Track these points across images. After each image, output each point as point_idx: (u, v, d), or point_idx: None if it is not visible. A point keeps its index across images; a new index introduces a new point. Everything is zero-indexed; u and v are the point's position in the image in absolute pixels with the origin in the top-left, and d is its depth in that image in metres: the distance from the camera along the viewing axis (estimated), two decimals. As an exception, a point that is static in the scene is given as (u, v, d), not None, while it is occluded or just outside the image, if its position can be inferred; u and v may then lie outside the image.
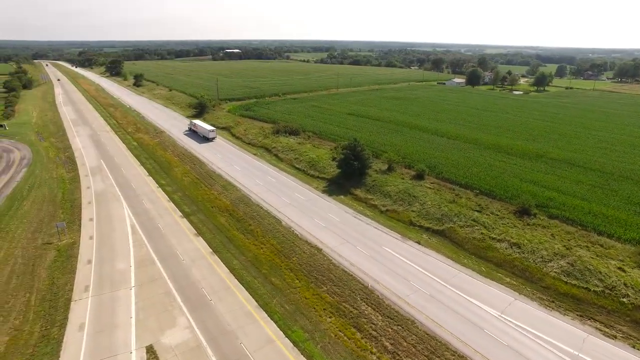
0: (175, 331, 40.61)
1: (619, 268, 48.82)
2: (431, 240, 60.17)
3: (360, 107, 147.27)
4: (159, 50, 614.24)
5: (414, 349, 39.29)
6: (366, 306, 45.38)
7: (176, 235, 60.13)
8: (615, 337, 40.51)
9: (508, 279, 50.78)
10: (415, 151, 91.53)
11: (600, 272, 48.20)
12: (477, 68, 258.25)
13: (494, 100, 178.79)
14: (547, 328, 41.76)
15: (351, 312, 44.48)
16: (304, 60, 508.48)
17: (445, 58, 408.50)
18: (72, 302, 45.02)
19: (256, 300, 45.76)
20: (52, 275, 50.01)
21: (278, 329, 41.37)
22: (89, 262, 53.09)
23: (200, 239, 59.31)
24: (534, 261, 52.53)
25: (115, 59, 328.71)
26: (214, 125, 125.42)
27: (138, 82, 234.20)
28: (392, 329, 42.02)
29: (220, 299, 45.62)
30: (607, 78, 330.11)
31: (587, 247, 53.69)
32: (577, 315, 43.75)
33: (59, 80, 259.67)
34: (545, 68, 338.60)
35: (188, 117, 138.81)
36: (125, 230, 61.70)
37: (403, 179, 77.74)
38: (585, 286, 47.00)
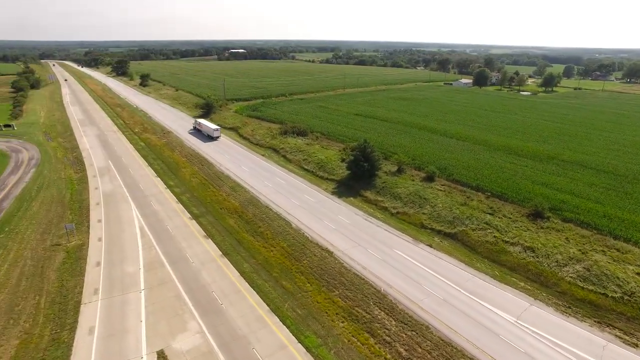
0: (187, 336, 40.04)
1: (638, 274, 47.80)
2: (443, 244, 59.36)
3: (368, 108, 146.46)
4: (165, 50, 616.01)
5: (429, 356, 38.54)
6: (379, 311, 44.66)
7: (185, 237, 59.63)
8: (636, 345, 39.52)
9: (522, 284, 49.91)
10: (425, 152, 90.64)
11: (618, 278, 47.23)
12: (484, 69, 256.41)
13: (502, 101, 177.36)
14: (565, 335, 40.88)
15: (364, 316, 43.77)
16: (309, 61, 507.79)
17: (451, 58, 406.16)
18: (81, 305, 44.58)
19: (267, 305, 45.12)
20: (61, 278, 49.61)
21: (290, 334, 40.71)
22: (98, 264, 52.67)
23: (210, 241, 58.77)
24: (548, 265, 51.61)
25: (121, 59, 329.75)
26: (221, 126, 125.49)
27: (144, 82, 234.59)
28: (406, 334, 41.27)
29: (231, 303, 45.03)
30: (616, 79, 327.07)
31: (603, 251, 52.65)
32: (595, 321, 42.80)
33: (66, 80, 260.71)
34: (553, 68, 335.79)
35: (195, 117, 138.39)
36: (134, 232, 61.27)
37: (413, 180, 76.94)
38: (602, 292, 46.04)
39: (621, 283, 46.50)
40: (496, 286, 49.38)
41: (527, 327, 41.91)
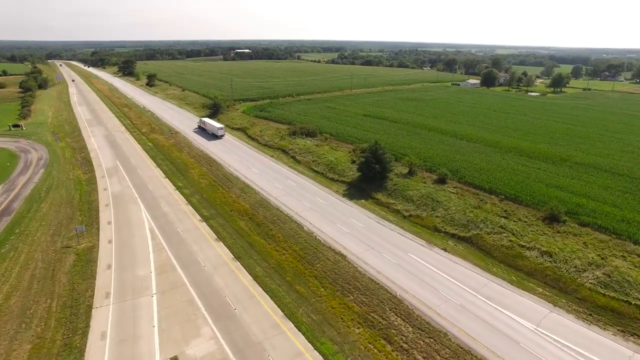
0: (200, 342, 39.31)
1: (661, 280, 46.61)
2: (457, 247, 58.38)
3: (376, 109, 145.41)
4: (170, 50, 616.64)
5: (448, 364, 37.63)
6: (395, 317, 43.77)
7: (196, 240, 58.96)
8: (664, 356, 38.42)
9: (541, 290, 48.86)
10: (436, 154, 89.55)
11: (641, 284, 46.06)
12: (492, 69, 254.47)
13: (511, 101, 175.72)
14: (588, 344, 39.82)
15: (380, 322, 42.90)
16: (314, 61, 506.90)
17: (457, 59, 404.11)
18: (93, 309, 44.01)
19: (282, 310, 44.33)
20: (72, 281, 49.10)
21: (306, 341, 39.90)
22: (109, 267, 52.10)
23: (221, 244, 58.04)
24: (567, 271, 50.51)
25: (127, 59, 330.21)
26: (228, 126, 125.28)
27: (151, 82, 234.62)
28: (423, 341, 40.36)
29: (245, 309, 44.27)
30: (625, 79, 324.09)
31: (623, 256, 51.47)
32: (619, 330, 41.67)
33: (73, 80, 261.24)
34: (561, 69, 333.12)
35: (201, 117, 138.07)
36: (144, 234, 60.68)
37: (425, 183, 75.93)
38: (625, 299, 44.88)
39: (644, 290, 45.34)
40: (514, 292, 48.36)
41: (547, 335, 40.89)
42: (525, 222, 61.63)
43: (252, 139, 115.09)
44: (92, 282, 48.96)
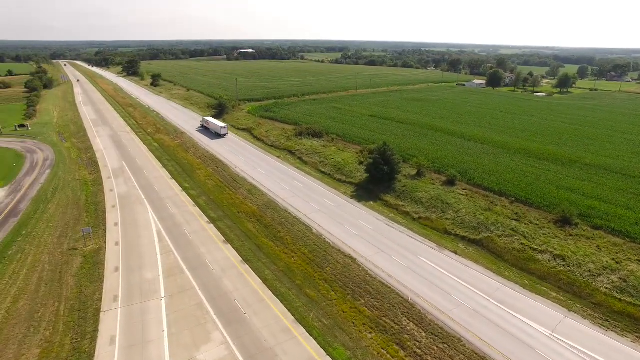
0: (211, 347, 38.69)
1: (678, 285, 45.72)
2: (468, 250, 57.61)
3: (382, 109, 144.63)
4: (174, 50, 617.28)
5: (463, 371, 36.89)
6: (408, 321, 43.06)
7: (204, 242, 58.38)
8: (684, 363, 37.58)
9: (554, 294, 48.04)
10: (444, 155, 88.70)
11: (658, 290, 45.19)
12: (498, 69, 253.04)
13: (518, 102, 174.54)
14: (605, 350, 39.01)
15: (392, 327, 42.20)
16: (318, 61, 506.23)
17: (462, 59, 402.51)
18: (101, 313, 43.45)
19: (292, 314, 43.67)
20: (79, 283, 48.58)
21: (318, 346, 39.23)
22: (116, 269, 51.56)
23: (229, 246, 57.43)
24: (581, 275, 49.67)
25: (132, 59, 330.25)
26: (234, 127, 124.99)
27: (155, 82, 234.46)
28: (437, 347, 39.63)
29: (255, 313, 43.63)
30: (632, 79, 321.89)
31: (638, 261, 50.54)
32: (637, 337, 40.81)
33: (78, 81, 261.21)
34: (568, 69, 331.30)
35: (205, 117, 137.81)
36: (152, 236, 60.14)
37: (434, 184, 75.13)
38: (642, 304, 44.00)
39: (662, 295, 44.48)
40: (527, 296, 47.57)
41: (564, 341, 40.10)
42: (536, 224, 60.79)
43: (258, 139, 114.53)
44: (100, 285, 48.44)
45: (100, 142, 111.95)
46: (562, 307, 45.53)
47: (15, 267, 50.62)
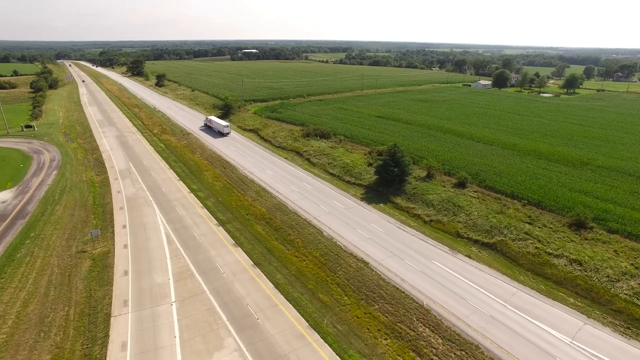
0: (224, 354, 37.91)
1: (701, 292, 44.67)
2: (482, 254, 56.67)
3: (389, 110, 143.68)
4: (178, 50, 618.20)
5: (483, 380, 35.99)
6: (424, 327, 42.18)
7: (214, 245, 57.63)
8: None
9: (572, 300, 47.06)
10: (453, 157, 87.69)
11: (679, 296, 44.14)
12: (504, 70, 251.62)
13: (525, 103, 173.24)
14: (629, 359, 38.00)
15: (408, 333, 41.34)
16: (322, 61, 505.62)
17: (467, 59, 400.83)
18: (111, 318, 42.74)
19: (306, 320, 42.85)
20: (89, 287, 47.94)
21: (334, 353, 38.38)
22: (126, 273, 50.89)
23: (240, 249, 56.68)
24: (598, 280, 48.63)
25: (136, 59, 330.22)
26: (241, 127, 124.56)
27: (160, 82, 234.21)
28: (454, 354, 38.75)
29: (268, 318, 42.84)
30: (639, 79, 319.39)
31: (658, 266, 49.48)
32: (661, 345, 39.80)
33: (83, 81, 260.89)
34: (572, 69, 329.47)
35: (209, 116, 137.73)
36: (160, 239, 59.46)
37: (444, 186, 74.18)
38: (664, 312, 42.97)
39: (684, 302, 43.43)
40: (544, 302, 46.59)
41: (585, 349, 39.12)
42: (550, 228, 59.76)
43: (265, 140, 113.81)
44: (109, 288, 47.77)
45: (107, 143, 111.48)
46: (581, 313, 44.55)
47: (24, 271, 50.00)
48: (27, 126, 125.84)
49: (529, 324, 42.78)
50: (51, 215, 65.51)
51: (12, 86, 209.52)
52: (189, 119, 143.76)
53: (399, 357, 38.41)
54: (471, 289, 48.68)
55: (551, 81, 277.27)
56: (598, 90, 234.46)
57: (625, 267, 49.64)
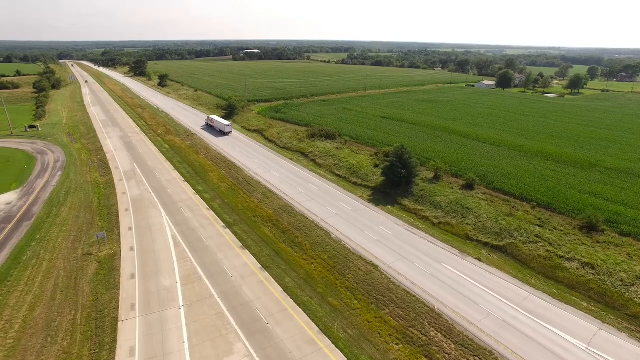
0: None
1: None
2: (492, 257, 55.96)
3: (394, 110, 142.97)
4: (180, 50, 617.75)
5: (498, 387, 35.30)
6: (436, 332, 41.52)
7: (221, 248, 57.00)
8: None
9: (585, 304, 46.33)
10: (460, 158, 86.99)
11: (696, 301, 43.39)
12: (508, 70, 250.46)
13: (529, 103, 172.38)
14: (646, 366, 37.28)
15: (420, 338, 40.69)
16: (324, 61, 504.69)
17: (470, 59, 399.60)
18: (119, 322, 42.14)
19: (317, 325, 42.20)
20: (95, 291, 47.36)
21: (345, 359, 37.72)
22: (133, 276, 50.29)
23: (247, 252, 56.04)
24: (612, 285, 47.90)
25: (139, 59, 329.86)
26: (245, 128, 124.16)
27: (163, 82, 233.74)
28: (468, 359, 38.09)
29: (278, 323, 42.19)
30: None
31: (672, 270, 48.72)
32: (679, 351, 39.05)
33: (86, 82, 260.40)
34: (575, 69, 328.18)
35: (210, 115, 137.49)
36: (167, 241, 58.86)
37: (452, 188, 73.48)
38: (681, 317, 42.23)
39: (700, 307, 42.67)
40: (557, 306, 45.86)
41: (602, 356, 38.42)
42: (561, 231, 59.02)
43: (270, 141, 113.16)
44: (116, 292, 47.18)
45: (111, 144, 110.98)
46: (595, 318, 43.83)
47: (31, 274, 49.44)
48: (31, 126, 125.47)
49: (543, 328, 42.09)
50: (56, 217, 64.97)
51: (15, 86, 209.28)
52: (192, 119, 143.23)
53: (411, 363, 37.74)
54: (482, 293, 47.99)
55: (555, 81, 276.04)
56: (602, 91, 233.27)
57: None
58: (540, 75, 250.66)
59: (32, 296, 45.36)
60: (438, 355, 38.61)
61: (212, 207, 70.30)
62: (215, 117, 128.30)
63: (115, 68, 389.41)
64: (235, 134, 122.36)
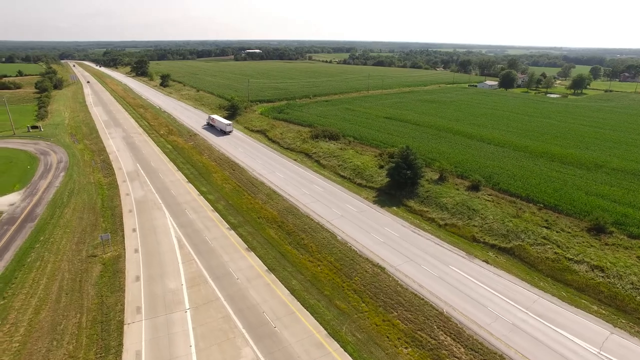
0: (242, 364, 36.85)
1: None
2: (499, 259, 55.46)
3: (397, 111, 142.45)
4: (181, 50, 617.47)
5: (510, 392, 34.81)
6: (445, 336, 41.03)
7: (226, 250, 56.55)
8: None
9: (595, 307, 45.80)
10: (465, 159, 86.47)
11: None
12: (511, 70, 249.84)
13: (533, 104, 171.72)
14: (660, 371, 36.76)
15: (429, 342, 40.21)
16: (326, 61, 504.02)
17: (472, 59, 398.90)
18: (125, 326, 41.71)
19: (324, 328, 41.74)
20: (100, 293, 46.94)
21: (355, 363, 37.31)
22: (137, 278, 49.88)
23: (253, 254, 55.59)
24: (622, 288, 47.35)
25: (140, 59, 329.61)
26: (248, 128, 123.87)
27: (165, 82, 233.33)
28: (478, 365, 37.57)
29: (286, 326, 41.74)
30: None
31: (683, 273, 48.17)
32: (692, 356, 38.50)
33: (88, 82, 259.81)
34: (577, 69, 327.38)
35: (211, 115, 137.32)
36: (172, 243, 58.43)
37: (457, 189, 72.96)
38: (693, 321, 41.69)
39: None
40: (567, 309, 45.33)
41: (613, 360, 37.89)
42: (569, 232, 58.49)
43: (273, 141, 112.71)
44: (121, 295, 46.75)
45: (113, 144, 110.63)
46: (606, 322, 43.28)
47: (35, 276, 49.06)
48: (34, 127, 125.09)
49: (553, 332, 41.57)
50: (60, 219, 64.58)
51: (17, 86, 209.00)
52: (195, 119, 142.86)
53: (421, 368, 37.27)
54: (491, 296, 47.51)
55: (557, 82, 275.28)
56: (606, 91, 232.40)
57: (650, 273, 48.34)
58: (543, 75, 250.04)
59: (37, 299, 44.97)
60: (448, 359, 38.13)
61: (216, 209, 69.86)
62: (216, 117, 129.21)
63: (116, 68, 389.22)
64: (239, 134, 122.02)
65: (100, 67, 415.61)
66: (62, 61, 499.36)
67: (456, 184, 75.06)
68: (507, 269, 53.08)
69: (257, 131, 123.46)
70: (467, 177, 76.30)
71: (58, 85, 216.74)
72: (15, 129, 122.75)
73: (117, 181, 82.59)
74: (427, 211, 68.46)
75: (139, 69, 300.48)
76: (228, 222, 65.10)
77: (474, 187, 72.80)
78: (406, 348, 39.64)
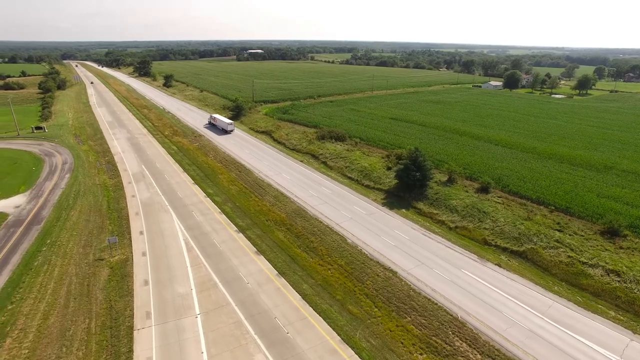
0: (255, 371, 36.10)
1: None
2: (511, 263, 54.65)
3: (402, 112, 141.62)
4: (183, 50, 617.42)
5: (530, 401, 34.00)
6: (460, 342, 40.24)
7: (235, 253, 55.80)
8: None
9: (613, 313, 44.94)
10: (473, 161, 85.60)
11: None
12: (515, 71, 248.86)
13: (538, 104, 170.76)
14: (683, 379, 35.90)
15: (444, 348, 39.42)
16: (329, 61, 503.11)
17: (475, 60, 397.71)
18: (134, 331, 40.97)
19: (338, 334, 40.96)
20: (109, 298, 46.23)
21: (371, 371, 36.53)
22: (146, 283, 49.16)
23: (262, 257, 54.83)
24: (640, 292, 46.48)
25: (143, 59, 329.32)
26: (253, 129, 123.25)
27: (168, 82, 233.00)
28: (496, 372, 36.77)
29: (298, 332, 40.97)
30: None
31: (701, 277, 47.28)
32: None
33: (92, 83, 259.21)
34: (582, 70, 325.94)
35: (213, 114, 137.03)
36: (179, 246, 57.70)
37: (467, 192, 72.12)
38: None
39: None
40: (583, 315, 44.50)
41: (635, 368, 37.03)
42: (582, 236, 57.62)
43: (279, 142, 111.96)
44: (130, 299, 46.02)
45: (118, 145, 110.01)
46: (625, 328, 42.42)
47: (43, 280, 48.38)
48: (38, 127, 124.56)
49: (572, 339, 40.74)
50: (66, 221, 63.90)
51: (21, 87, 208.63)
52: (199, 120, 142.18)
53: (437, 375, 36.48)
54: (505, 300, 46.69)
55: (562, 82, 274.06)
56: (611, 92, 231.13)
57: (667, 278, 47.46)
58: (548, 75, 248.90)
59: (45, 304, 44.27)
60: (464, 367, 37.35)
61: (223, 211, 69.12)
62: (217, 116, 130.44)
63: (119, 68, 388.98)
64: (244, 135, 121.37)
65: (102, 67, 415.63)
66: (65, 61, 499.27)
67: (465, 186, 74.22)
68: (520, 273, 52.26)
69: (262, 132, 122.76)
70: (476, 179, 75.50)
71: (61, 86, 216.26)
72: (20, 129, 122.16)
73: (122, 183, 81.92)
74: (437, 214, 67.66)
75: (142, 69, 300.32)
76: (236, 224, 64.35)
77: (484, 189, 71.96)
78: (421, 354, 38.87)
